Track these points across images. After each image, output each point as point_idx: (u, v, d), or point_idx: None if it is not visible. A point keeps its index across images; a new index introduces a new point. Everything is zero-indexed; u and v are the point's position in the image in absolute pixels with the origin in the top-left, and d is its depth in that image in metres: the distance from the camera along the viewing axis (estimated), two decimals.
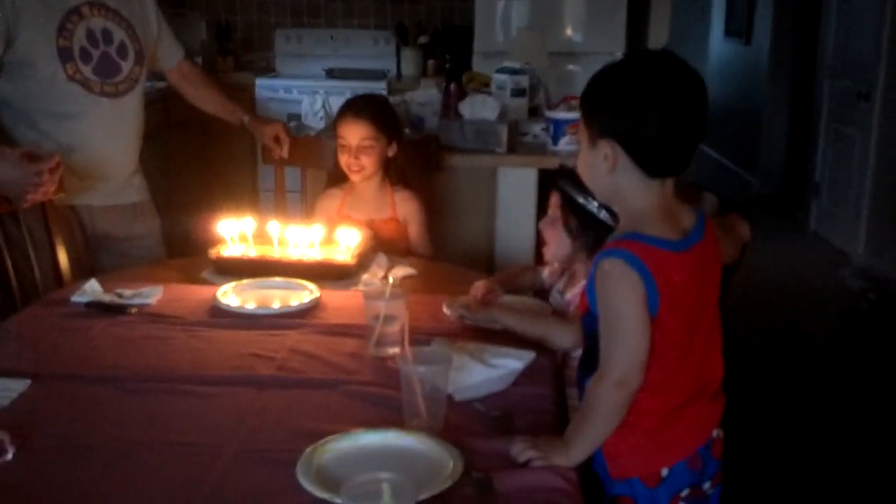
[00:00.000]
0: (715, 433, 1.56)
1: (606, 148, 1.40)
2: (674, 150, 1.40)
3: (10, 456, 1.38)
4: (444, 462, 1.36)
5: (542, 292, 2.17)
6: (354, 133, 2.53)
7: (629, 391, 1.41)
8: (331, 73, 5.09)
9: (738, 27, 7.03)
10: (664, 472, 1.49)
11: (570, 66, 4.58)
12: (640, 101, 1.37)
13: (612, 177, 1.42)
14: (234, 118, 2.80)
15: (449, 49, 5.13)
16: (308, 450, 1.38)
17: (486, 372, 1.62)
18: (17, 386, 1.62)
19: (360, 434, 1.44)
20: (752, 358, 3.77)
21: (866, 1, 4.93)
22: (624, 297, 1.38)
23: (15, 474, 1.36)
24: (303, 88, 4.89)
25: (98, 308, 2.00)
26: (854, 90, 4.98)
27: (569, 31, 4.86)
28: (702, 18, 8.04)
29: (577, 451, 1.41)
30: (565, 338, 1.77)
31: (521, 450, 1.40)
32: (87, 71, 2.44)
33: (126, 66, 2.52)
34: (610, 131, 1.39)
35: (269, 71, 5.26)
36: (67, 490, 1.33)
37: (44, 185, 2.16)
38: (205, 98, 2.82)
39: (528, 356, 1.67)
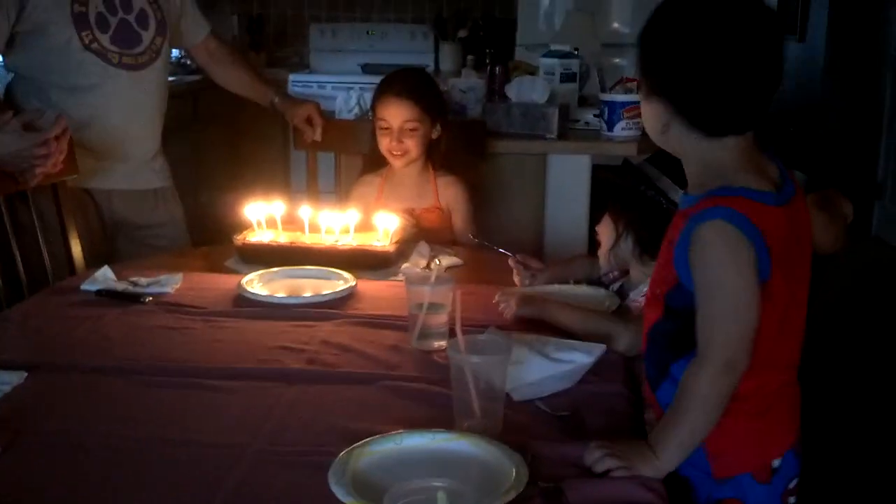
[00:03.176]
0: None
1: (658, 106, 1.24)
2: (736, 105, 1.21)
3: None
4: (505, 469, 1.13)
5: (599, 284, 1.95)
6: (397, 114, 2.31)
7: (737, 376, 1.19)
8: (367, 69, 4.91)
9: (791, 23, 6.76)
10: (776, 463, 1.29)
11: (617, 60, 4.36)
12: (691, 54, 1.19)
13: (665, 137, 1.26)
14: (263, 99, 2.61)
15: (490, 43, 4.94)
16: (343, 452, 1.16)
17: (550, 367, 1.40)
18: (12, 378, 1.42)
19: (405, 435, 1.22)
20: (816, 361, 3.51)
21: None
22: (732, 266, 1.17)
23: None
24: (337, 84, 4.72)
25: (110, 296, 1.81)
26: None
27: (616, 24, 4.65)
28: None
29: (669, 456, 1.18)
30: (622, 340, 1.54)
31: (598, 458, 1.17)
32: (104, 40, 2.26)
33: (147, 35, 2.34)
34: (660, 89, 1.23)
35: (302, 67, 5.10)
36: (61, 493, 1.14)
37: (51, 155, 1.96)
38: (232, 77, 2.62)
39: (599, 349, 1.44)
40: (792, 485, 1.32)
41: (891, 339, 3.88)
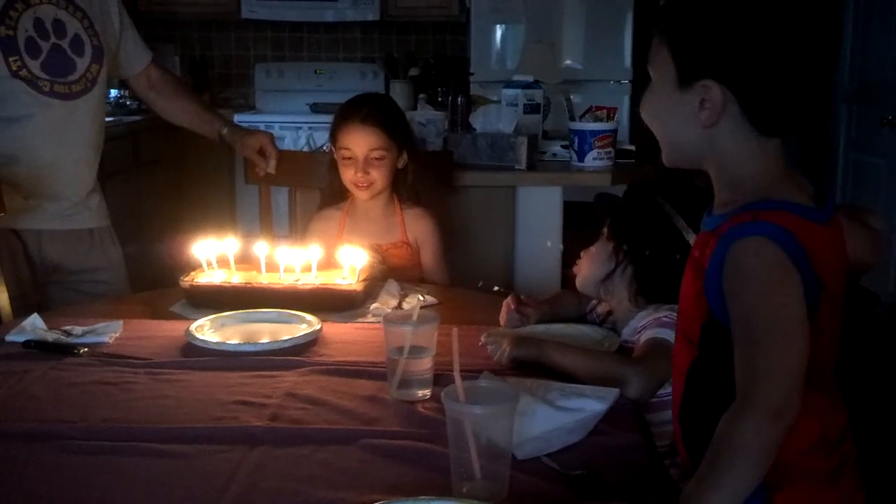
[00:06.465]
0: None
1: (710, 92, 1.05)
2: (800, 99, 1.06)
3: None
4: None
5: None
6: (362, 143, 2.12)
7: (787, 423, 1.01)
8: (315, 108, 4.73)
9: None
10: None
11: (571, 96, 4.27)
12: (764, 32, 1.02)
13: (711, 132, 1.07)
14: (210, 131, 2.39)
15: (442, 81, 4.81)
16: None
17: (558, 417, 1.21)
18: None
19: None
20: None
21: (888, 20, 4.63)
22: (778, 291, 1.01)
23: None
24: (285, 124, 4.56)
25: (39, 348, 1.58)
26: (877, 116, 4.66)
27: (569, 60, 4.57)
28: None
29: None
30: (634, 384, 1.37)
31: None
32: (34, 66, 2.05)
33: (81, 63, 2.13)
34: (717, 71, 1.04)
35: (247, 108, 4.91)
36: None
37: None
38: (176, 109, 2.41)
39: (611, 394, 1.26)
40: None
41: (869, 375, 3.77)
